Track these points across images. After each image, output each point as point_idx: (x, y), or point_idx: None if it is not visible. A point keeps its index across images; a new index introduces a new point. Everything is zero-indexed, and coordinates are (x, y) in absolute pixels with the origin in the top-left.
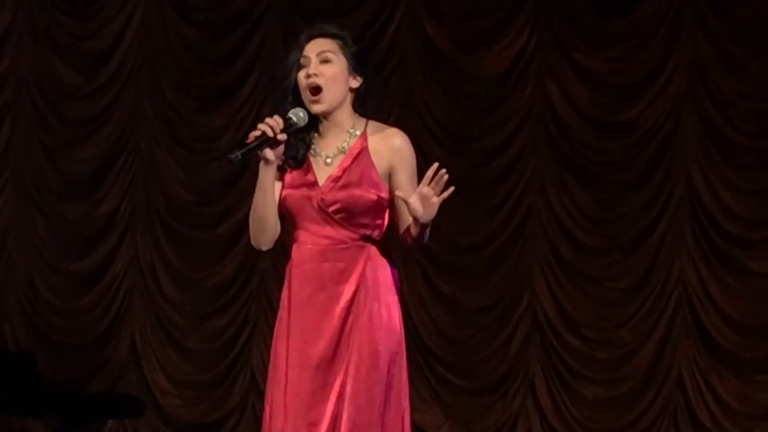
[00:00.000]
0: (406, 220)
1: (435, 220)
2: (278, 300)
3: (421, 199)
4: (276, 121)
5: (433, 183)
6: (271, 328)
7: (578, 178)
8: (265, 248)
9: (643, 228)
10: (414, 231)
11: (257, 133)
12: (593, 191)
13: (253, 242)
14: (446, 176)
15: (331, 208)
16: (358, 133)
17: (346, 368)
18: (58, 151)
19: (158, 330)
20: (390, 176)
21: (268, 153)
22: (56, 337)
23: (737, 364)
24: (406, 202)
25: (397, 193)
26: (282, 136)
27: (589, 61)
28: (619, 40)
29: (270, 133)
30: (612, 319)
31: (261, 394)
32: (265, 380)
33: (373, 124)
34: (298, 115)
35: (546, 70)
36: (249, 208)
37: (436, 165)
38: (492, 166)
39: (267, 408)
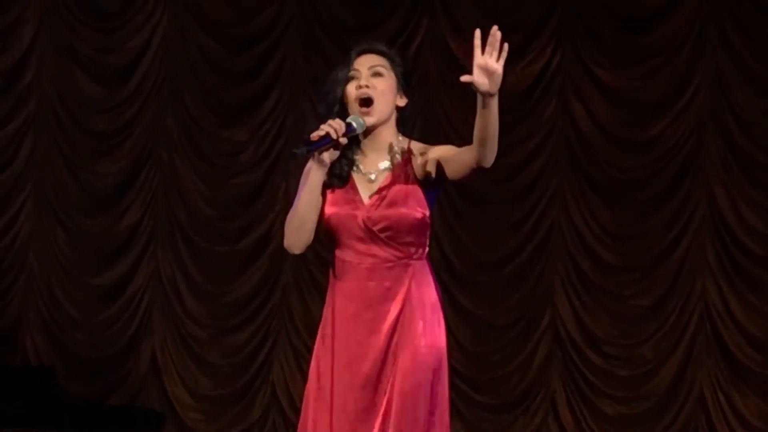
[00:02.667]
0: (464, 155)
1: (457, 235)
2: (299, 314)
3: (482, 72)
4: (338, 124)
5: (488, 49)
6: (293, 343)
7: (600, 195)
8: (297, 252)
9: (665, 245)
10: (482, 125)
11: (321, 132)
12: (615, 208)
13: (287, 243)
14: (499, 34)
15: (377, 227)
16: (402, 151)
17: (391, 387)
18: (79, 165)
19: (179, 344)
20: (438, 167)
21: (326, 155)
22: (77, 350)
23: (759, 383)
24: (472, 82)
25: (464, 78)
26: (343, 140)
27: (612, 78)
28: (643, 57)
29: (333, 135)
30: (633, 337)
31: (281, 410)
32: (285, 394)
33: (415, 144)
34: (357, 122)
35: (569, 87)
36: (270, 223)
37: (478, 32)
38: (514, 182)
39: (309, 427)
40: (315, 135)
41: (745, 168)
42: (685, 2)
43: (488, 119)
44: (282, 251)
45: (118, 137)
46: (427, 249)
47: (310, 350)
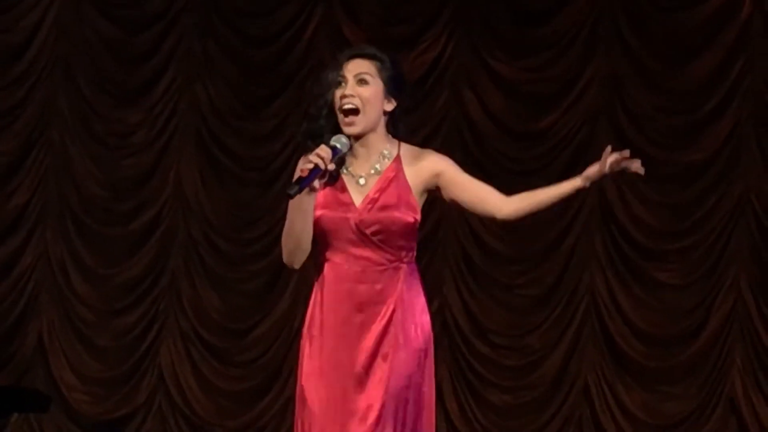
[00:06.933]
0: (487, 197)
1: None
2: (188, 298)
3: (603, 168)
4: (326, 152)
5: (623, 163)
6: (181, 326)
7: (491, 184)
8: (297, 266)
9: (554, 237)
10: (543, 204)
11: (309, 166)
12: None
13: (286, 260)
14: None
15: (370, 230)
16: (392, 155)
17: (383, 387)
18: None
19: (66, 325)
20: (442, 185)
21: (316, 182)
22: None
23: (643, 375)
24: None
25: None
26: (331, 166)
27: (505, 69)
28: (536, 49)
29: (322, 166)
30: (521, 327)
31: (168, 393)
32: (172, 378)
33: (405, 147)
34: (341, 142)
35: (462, 77)
36: (161, 205)
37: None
38: None
39: (298, 426)
40: (304, 170)
41: None
42: None
43: (554, 203)
44: (172, 234)
45: (8, 117)
46: (415, 253)
47: (198, 334)
